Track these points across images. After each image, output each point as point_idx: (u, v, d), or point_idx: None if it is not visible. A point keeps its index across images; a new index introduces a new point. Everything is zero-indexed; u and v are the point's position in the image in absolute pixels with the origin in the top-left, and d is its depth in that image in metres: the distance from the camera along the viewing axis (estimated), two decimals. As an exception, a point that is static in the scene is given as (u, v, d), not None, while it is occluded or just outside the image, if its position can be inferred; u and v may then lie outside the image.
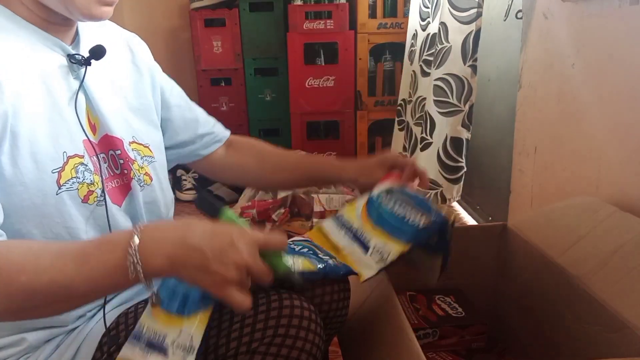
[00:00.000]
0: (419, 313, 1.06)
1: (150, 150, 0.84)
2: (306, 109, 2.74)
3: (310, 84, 2.70)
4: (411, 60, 2.19)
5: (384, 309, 0.85)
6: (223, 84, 2.85)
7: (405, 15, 2.52)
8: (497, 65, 1.85)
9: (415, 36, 2.16)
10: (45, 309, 0.60)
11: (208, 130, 0.99)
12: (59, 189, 0.67)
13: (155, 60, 0.94)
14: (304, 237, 0.83)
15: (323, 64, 2.74)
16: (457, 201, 2.35)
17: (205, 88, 2.81)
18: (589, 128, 1.19)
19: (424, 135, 1.81)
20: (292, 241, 0.79)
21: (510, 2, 1.62)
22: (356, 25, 2.62)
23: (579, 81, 1.22)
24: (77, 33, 0.76)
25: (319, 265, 0.74)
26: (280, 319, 0.66)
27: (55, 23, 0.71)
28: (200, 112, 1.00)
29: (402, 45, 2.41)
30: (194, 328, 0.62)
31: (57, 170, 0.67)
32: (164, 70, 0.95)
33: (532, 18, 1.43)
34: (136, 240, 0.57)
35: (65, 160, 0.68)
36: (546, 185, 1.41)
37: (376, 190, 0.88)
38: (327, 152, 2.81)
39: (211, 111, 1.04)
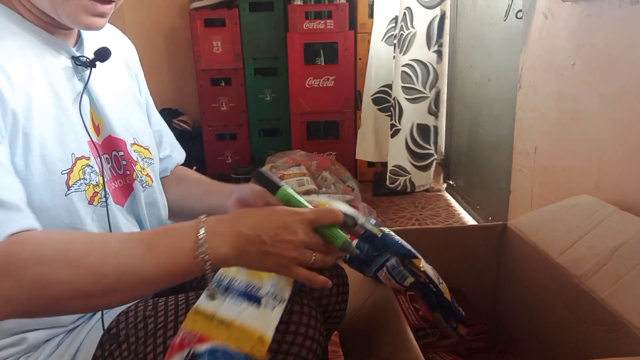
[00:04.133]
0: (419, 313, 1.05)
1: (150, 152, 0.85)
2: (306, 108, 2.74)
3: (310, 83, 2.70)
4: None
5: (384, 309, 0.85)
6: (223, 84, 2.84)
7: (405, 15, 2.51)
8: (497, 65, 1.85)
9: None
10: (112, 296, 0.59)
11: (165, 154, 0.95)
12: (68, 190, 0.68)
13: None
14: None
15: (323, 64, 2.74)
16: (458, 201, 2.36)
17: (205, 88, 2.79)
18: (589, 128, 1.19)
19: (393, 122, 1.82)
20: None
21: (510, 2, 1.62)
22: (356, 25, 2.62)
23: (579, 81, 1.22)
24: (79, 35, 0.77)
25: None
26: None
27: (58, 26, 0.72)
28: (165, 133, 0.96)
29: (402, 45, 2.41)
30: (283, 281, 0.65)
31: (66, 171, 0.68)
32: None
33: (532, 18, 1.43)
34: (202, 231, 0.60)
35: (73, 162, 0.69)
36: (546, 185, 1.41)
37: None
38: (327, 152, 2.82)
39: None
